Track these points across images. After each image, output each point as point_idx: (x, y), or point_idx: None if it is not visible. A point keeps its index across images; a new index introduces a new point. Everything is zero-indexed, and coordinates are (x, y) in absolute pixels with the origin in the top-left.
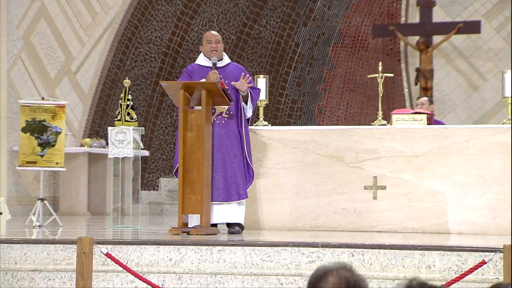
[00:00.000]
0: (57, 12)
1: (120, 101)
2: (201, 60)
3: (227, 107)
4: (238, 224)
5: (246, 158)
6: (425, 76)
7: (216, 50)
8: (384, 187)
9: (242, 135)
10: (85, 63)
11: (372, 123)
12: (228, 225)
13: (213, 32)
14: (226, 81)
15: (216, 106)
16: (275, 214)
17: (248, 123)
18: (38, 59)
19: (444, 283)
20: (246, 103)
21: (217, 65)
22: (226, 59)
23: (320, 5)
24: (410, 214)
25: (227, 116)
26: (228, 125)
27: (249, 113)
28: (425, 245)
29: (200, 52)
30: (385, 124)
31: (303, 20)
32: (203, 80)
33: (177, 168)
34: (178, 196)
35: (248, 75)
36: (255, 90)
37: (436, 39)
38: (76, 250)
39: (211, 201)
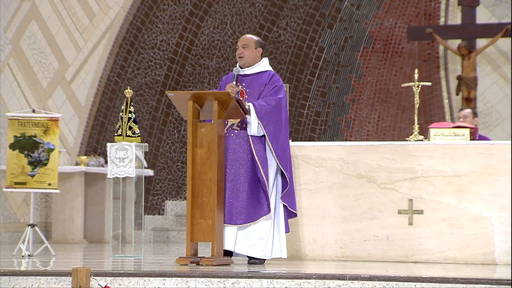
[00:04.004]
0: (49, 13)
1: (121, 113)
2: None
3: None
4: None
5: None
6: (467, 85)
7: (242, 57)
8: (421, 212)
9: (254, 156)
10: (82, 70)
11: (407, 139)
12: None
13: (244, 35)
14: (248, 90)
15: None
16: (297, 242)
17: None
18: (28, 66)
19: None
20: None
21: (243, 73)
22: (261, 67)
23: (347, 5)
24: (451, 242)
25: (238, 128)
26: (241, 137)
27: (249, 129)
28: (469, 277)
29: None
30: (422, 140)
31: (328, 21)
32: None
33: None
34: (186, 221)
35: (238, 86)
36: (259, 104)
37: (480, 42)
38: (71, 282)
39: (226, 224)
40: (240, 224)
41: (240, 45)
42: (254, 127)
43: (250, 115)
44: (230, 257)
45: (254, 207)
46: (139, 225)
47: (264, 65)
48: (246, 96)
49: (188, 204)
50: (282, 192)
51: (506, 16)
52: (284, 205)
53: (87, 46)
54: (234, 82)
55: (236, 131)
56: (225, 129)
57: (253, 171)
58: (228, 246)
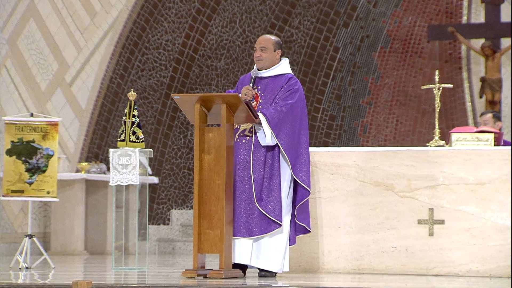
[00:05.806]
0: (48, 12)
1: (124, 117)
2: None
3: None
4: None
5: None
6: (491, 87)
7: (260, 60)
8: (442, 221)
9: (266, 164)
10: (82, 72)
11: (427, 144)
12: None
13: (263, 36)
14: (263, 94)
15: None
16: (310, 254)
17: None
18: (26, 68)
19: None
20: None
21: (260, 75)
22: (279, 69)
23: (364, 2)
24: (474, 254)
25: (250, 134)
26: (253, 144)
27: (262, 139)
28: None
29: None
30: (443, 145)
31: (343, 20)
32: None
33: None
34: (193, 231)
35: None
36: (268, 111)
37: (505, 42)
38: None
39: (235, 236)
40: (252, 237)
41: (258, 47)
42: (269, 138)
43: (261, 126)
44: (244, 271)
45: (267, 218)
46: (143, 236)
47: (282, 67)
48: (261, 100)
49: (195, 213)
50: (298, 204)
51: None
52: (293, 216)
53: (88, 46)
54: (251, 85)
55: (248, 137)
56: (236, 134)
57: (266, 179)
58: (244, 260)
